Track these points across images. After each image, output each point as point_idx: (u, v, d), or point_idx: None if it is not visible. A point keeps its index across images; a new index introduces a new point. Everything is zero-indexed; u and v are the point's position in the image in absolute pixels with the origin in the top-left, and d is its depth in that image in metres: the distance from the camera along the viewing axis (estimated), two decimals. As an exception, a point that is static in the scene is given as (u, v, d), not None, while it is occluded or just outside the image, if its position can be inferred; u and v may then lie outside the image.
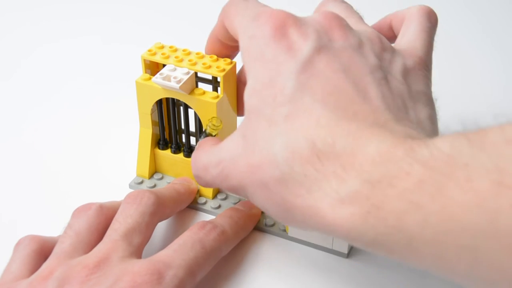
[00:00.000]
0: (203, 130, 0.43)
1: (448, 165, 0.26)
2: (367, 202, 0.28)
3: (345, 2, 0.42)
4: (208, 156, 0.37)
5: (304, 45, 0.34)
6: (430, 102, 0.36)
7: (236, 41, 0.38)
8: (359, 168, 0.29)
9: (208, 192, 0.45)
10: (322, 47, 0.34)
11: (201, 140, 0.41)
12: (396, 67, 0.36)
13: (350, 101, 0.32)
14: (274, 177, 0.32)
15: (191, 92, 0.42)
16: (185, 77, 0.41)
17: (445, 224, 0.25)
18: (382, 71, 0.35)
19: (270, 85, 0.34)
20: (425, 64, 0.38)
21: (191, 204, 0.45)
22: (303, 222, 0.32)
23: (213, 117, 0.42)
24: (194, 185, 0.45)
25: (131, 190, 0.43)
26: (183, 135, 0.46)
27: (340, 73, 0.33)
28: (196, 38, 0.49)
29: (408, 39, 0.39)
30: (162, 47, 0.43)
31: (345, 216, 0.29)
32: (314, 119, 0.31)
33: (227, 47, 0.43)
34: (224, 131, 0.44)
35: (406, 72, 0.36)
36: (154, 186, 0.46)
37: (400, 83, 0.35)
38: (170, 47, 0.43)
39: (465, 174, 0.25)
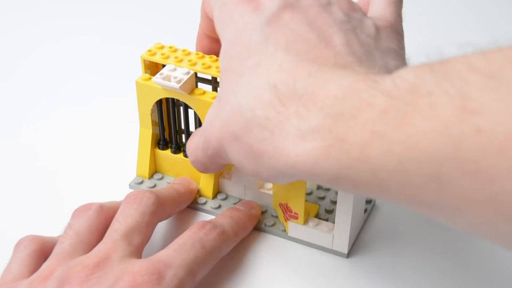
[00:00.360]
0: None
1: (411, 93, 0.26)
2: (329, 135, 0.28)
3: None
4: (196, 135, 0.39)
5: (271, 3, 0.35)
6: (400, 59, 0.36)
7: None
8: (320, 104, 0.29)
9: (208, 192, 0.45)
10: (288, 5, 0.35)
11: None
12: (366, 25, 0.36)
13: (313, 47, 0.33)
14: (240, 125, 0.32)
15: (191, 92, 0.42)
16: (185, 77, 0.41)
17: (409, 153, 0.25)
18: (350, 25, 0.35)
19: (237, 42, 0.35)
20: (396, 29, 0.37)
21: (191, 204, 0.45)
22: (272, 169, 0.32)
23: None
24: (194, 185, 0.45)
25: (131, 190, 0.43)
26: (183, 135, 0.46)
27: (305, 25, 0.34)
28: (195, 39, 0.49)
29: (377, 9, 0.39)
30: (162, 47, 0.43)
31: (308, 151, 0.29)
32: (276, 65, 0.32)
33: (215, 41, 0.42)
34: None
35: (376, 30, 0.36)
36: (154, 186, 0.46)
37: (369, 37, 0.35)
38: (170, 47, 0.43)
39: (429, 101, 0.25)
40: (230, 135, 0.33)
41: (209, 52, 0.43)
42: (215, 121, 0.35)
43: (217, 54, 0.43)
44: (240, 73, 0.34)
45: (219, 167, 0.40)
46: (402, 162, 0.25)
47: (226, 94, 0.34)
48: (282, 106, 0.31)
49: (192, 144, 0.39)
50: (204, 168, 0.39)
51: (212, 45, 0.43)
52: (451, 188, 0.24)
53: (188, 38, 0.48)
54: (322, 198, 0.45)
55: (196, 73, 0.42)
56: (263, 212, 0.44)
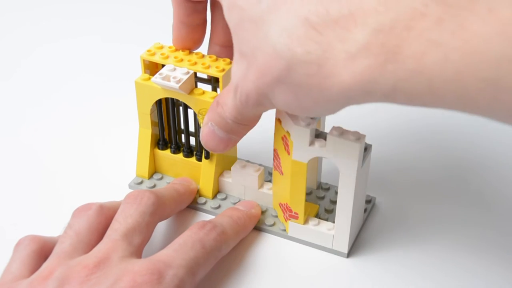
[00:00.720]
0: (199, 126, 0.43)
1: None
2: (382, 49, 0.28)
3: None
4: (229, 93, 0.37)
5: None
6: None
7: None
8: (362, 22, 0.28)
9: (208, 192, 0.45)
10: None
11: (215, 99, 0.39)
12: None
13: None
14: (282, 68, 0.31)
15: (191, 92, 0.42)
16: (185, 77, 0.41)
17: (467, 59, 0.25)
18: None
19: None
20: None
21: (191, 204, 0.45)
22: (325, 100, 0.31)
23: (201, 108, 0.42)
24: (194, 185, 0.45)
25: (131, 190, 0.43)
26: (183, 135, 0.46)
27: None
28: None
29: None
30: (162, 47, 0.43)
31: (361, 70, 0.28)
32: None
33: (193, 29, 0.42)
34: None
35: None
36: (154, 186, 0.46)
37: None
38: (169, 47, 0.43)
39: (486, 5, 0.25)
40: (271, 81, 0.32)
41: (187, 42, 0.42)
42: (248, 74, 0.33)
43: (195, 43, 0.43)
44: (258, 19, 0.32)
45: (258, 118, 0.39)
46: (459, 69, 0.26)
47: (250, 46, 0.33)
48: (321, 36, 0.29)
49: (228, 105, 0.37)
50: (248, 121, 0.38)
51: (190, 34, 0.42)
52: (509, 90, 0.25)
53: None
54: (322, 198, 0.45)
55: (195, 73, 0.42)
56: (263, 212, 0.44)
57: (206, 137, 0.39)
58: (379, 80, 0.28)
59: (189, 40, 0.42)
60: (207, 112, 0.39)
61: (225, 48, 0.43)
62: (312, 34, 0.30)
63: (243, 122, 0.38)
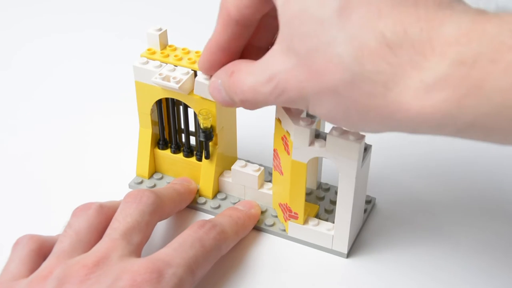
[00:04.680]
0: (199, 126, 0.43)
1: None
2: (463, 83, 0.26)
3: None
4: (254, 76, 0.34)
5: None
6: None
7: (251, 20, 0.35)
8: (442, 51, 0.27)
9: (207, 192, 0.45)
10: None
11: (231, 65, 0.37)
12: None
13: None
14: (344, 80, 0.29)
15: (191, 92, 0.42)
16: (185, 77, 0.41)
17: None
18: None
19: None
20: None
21: (190, 204, 0.45)
22: (381, 123, 0.30)
23: (201, 108, 0.42)
24: (194, 185, 0.45)
25: (131, 190, 0.43)
26: (183, 135, 0.46)
27: None
28: (195, 38, 0.49)
29: None
30: (154, 52, 0.43)
31: (436, 103, 0.27)
32: (374, 9, 0.28)
33: (230, 55, 0.37)
34: (224, 131, 0.44)
35: None
36: (154, 186, 0.46)
37: None
38: (170, 46, 0.43)
39: None
40: (325, 88, 0.30)
41: (217, 67, 0.38)
42: (296, 71, 0.31)
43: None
44: (325, 19, 0.29)
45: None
46: None
47: (307, 44, 0.30)
48: (395, 57, 0.28)
49: (246, 85, 0.34)
50: (255, 107, 0.36)
51: (224, 59, 0.37)
52: None
53: (187, 37, 0.48)
54: (322, 198, 0.45)
55: (195, 73, 0.42)
56: (262, 212, 0.44)
57: (212, 91, 0.37)
58: (456, 115, 0.27)
59: (220, 66, 0.38)
60: (219, 70, 0.37)
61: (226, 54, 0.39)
62: (385, 53, 0.28)
63: (249, 106, 0.36)
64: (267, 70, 0.33)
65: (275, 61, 0.33)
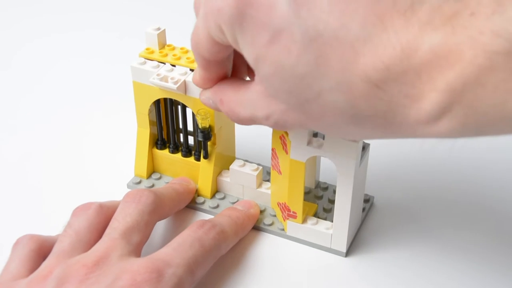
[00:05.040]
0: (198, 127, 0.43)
1: None
2: (460, 106, 0.26)
3: None
4: (248, 110, 0.34)
5: None
6: None
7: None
8: (426, 79, 0.26)
9: (206, 191, 0.45)
10: None
11: (218, 90, 0.37)
12: None
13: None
14: (344, 120, 0.30)
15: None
16: (183, 78, 0.41)
17: None
18: None
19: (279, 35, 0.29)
20: None
21: (189, 203, 0.45)
22: (383, 138, 0.31)
23: (200, 109, 0.42)
24: (193, 184, 0.45)
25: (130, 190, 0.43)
26: (181, 135, 0.46)
27: None
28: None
29: None
30: (153, 52, 0.43)
31: (441, 128, 0.27)
32: (348, 49, 0.28)
33: (220, 64, 0.36)
34: (222, 130, 0.44)
35: None
36: (152, 186, 0.46)
37: None
38: (168, 45, 0.43)
39: None
40: (328, 126, 0.31)
41: (216, 80, 0.37)
42: (291, 113, 0.32)
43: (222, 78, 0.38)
44: (302, 74, 0.29)
45: None
46: None
47: (293, 97, 0.31)
48: (384, 93, 0.28)
49: (244, 116, 0.35)
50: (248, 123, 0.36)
51: (219, 70, 0.37)
52: None
53: (186, 36, 0.48)
54: (320, 197, 0.45)
55: (194, 73, 0.42)
56: (261, 212, 0.44)
57: (206, 104, 0.38)
58: (459, 132, 0.27)
59: (218, 78, 0.37)
60: (207, 91, 0.37)
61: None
62: (375, 91, 0.28)
63: (246, 123, 0.36)
64: (260, 109, 0.34)
65: (264, 103, 0.33)
